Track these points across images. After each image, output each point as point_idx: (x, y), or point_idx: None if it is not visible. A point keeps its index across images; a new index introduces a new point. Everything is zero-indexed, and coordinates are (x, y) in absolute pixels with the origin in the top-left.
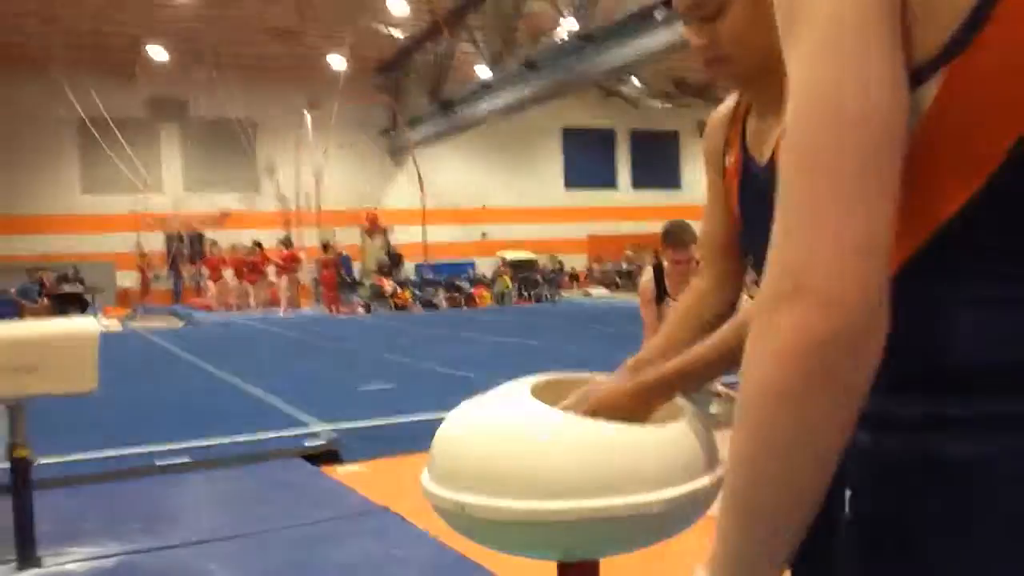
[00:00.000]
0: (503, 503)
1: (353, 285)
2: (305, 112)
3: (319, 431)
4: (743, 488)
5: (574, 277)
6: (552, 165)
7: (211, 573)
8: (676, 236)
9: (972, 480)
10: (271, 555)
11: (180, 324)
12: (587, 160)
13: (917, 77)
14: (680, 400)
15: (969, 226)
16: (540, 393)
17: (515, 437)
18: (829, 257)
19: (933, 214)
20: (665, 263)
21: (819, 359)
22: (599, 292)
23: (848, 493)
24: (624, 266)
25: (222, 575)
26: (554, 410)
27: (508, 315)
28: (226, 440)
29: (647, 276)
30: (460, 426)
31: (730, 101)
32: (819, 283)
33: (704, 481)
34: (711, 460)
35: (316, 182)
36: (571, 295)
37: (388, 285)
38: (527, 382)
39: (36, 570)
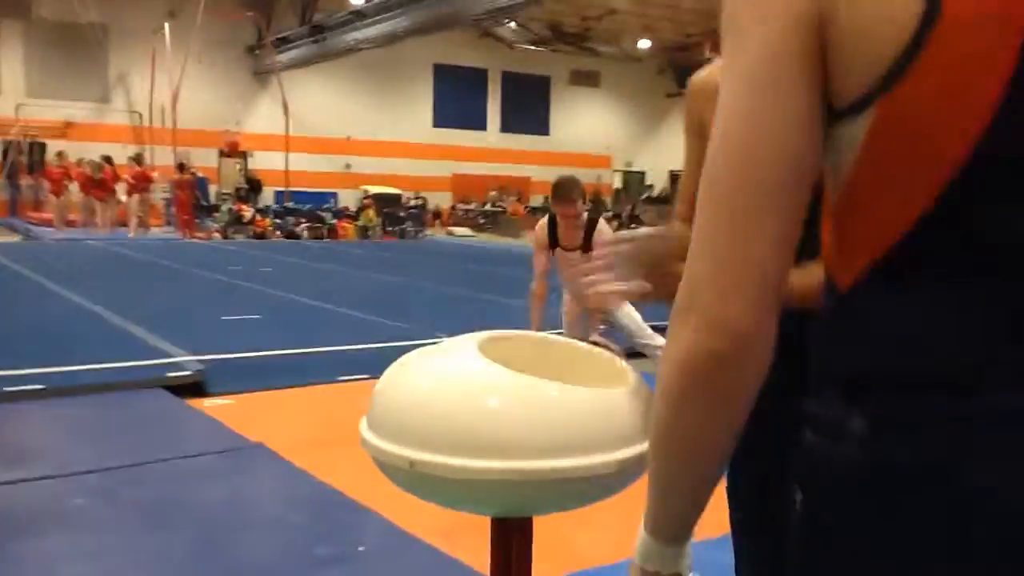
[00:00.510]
0: (455, 461)
1: (209, 209)
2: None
3: (182, 361)
4: (652, 458)
5: (437, 215)
6: (422, 102)
7: (80, 509)
8: (562, 192)
9: (907, 485)
10: (142, 490)
11: (17, 238)
12: (457, 99)
13: (854, 108)
14: (625, 364)
15: (917, 242)
16: (486, 349)
17: (468, 395)
18: (718, 283)
19: (882, 235)
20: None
21: (699, 372)
22: (462, 232)
23: (799, 495)
24: (488, 207)
25: (93, 512)
26: (505, 369)
27: (372, 250)
28: (83, 368)
29: (541, 224)
30: (409, 382)
31: (715, 67)
32: (707, 305)
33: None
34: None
35: (173, 98)
36: (434, 233)
37: (247, 211)
38: (473, 338)
39: None
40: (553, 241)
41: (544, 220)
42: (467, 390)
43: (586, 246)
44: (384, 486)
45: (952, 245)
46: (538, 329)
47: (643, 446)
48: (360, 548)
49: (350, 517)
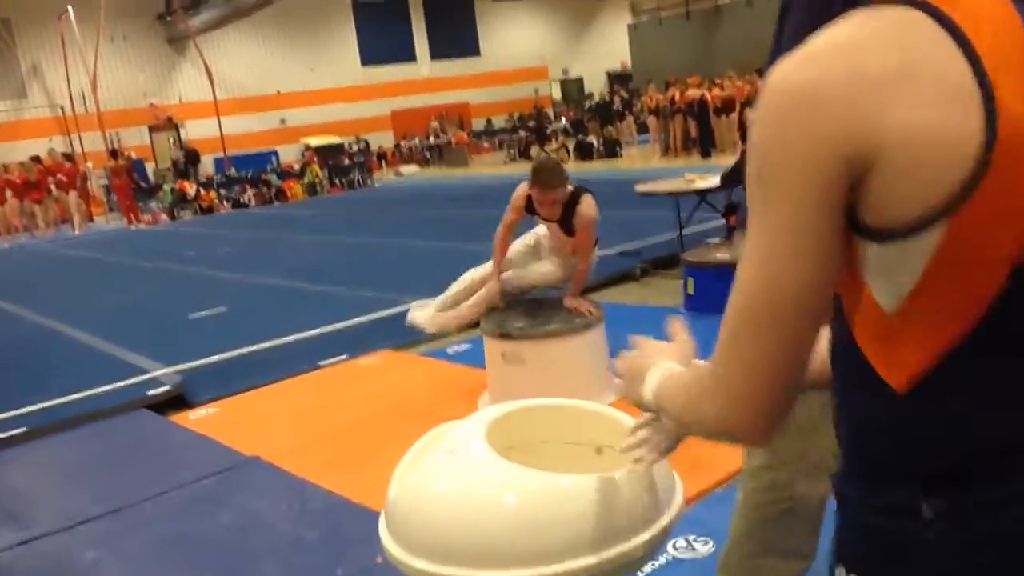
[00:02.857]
0: (487, 575)
1: (151, 191)
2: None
3: (159, 375)
4: (671, 413)
5: (382, 156)
6: (346, 42)
7: (93, 563)
8: (543, 180)
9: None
10: (150, 530)
11: None
12: (382, 34)
13: (914, 228)
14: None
15: (974, 344)
16: (494, 437)
17: (489, 506)
18: (740, 384)
19: (944, 337)
20: None
21: (718, 432)
22: (410, 169)
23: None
24: (432, 139)
25: (107, 564)
26: (520, 469)
27: (325, 207)
28: (60, 401)
29: (520, 194)
30: (427, 495)
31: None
32: (731, 397)
33: (672, 512)
34: (672, 490)
35: (91, 82)
36: (383, 176)
37: (190, 187)
38: (480, 426)
39: None
40: (531, 210)
41: (522, 190)
42: (486, 499)
43: (565, 222)
44: (387, 487)
45: (1006, 343)
46: (498, 272)
47: (666, 519)
48: (378, 560)
49: (362, 526)
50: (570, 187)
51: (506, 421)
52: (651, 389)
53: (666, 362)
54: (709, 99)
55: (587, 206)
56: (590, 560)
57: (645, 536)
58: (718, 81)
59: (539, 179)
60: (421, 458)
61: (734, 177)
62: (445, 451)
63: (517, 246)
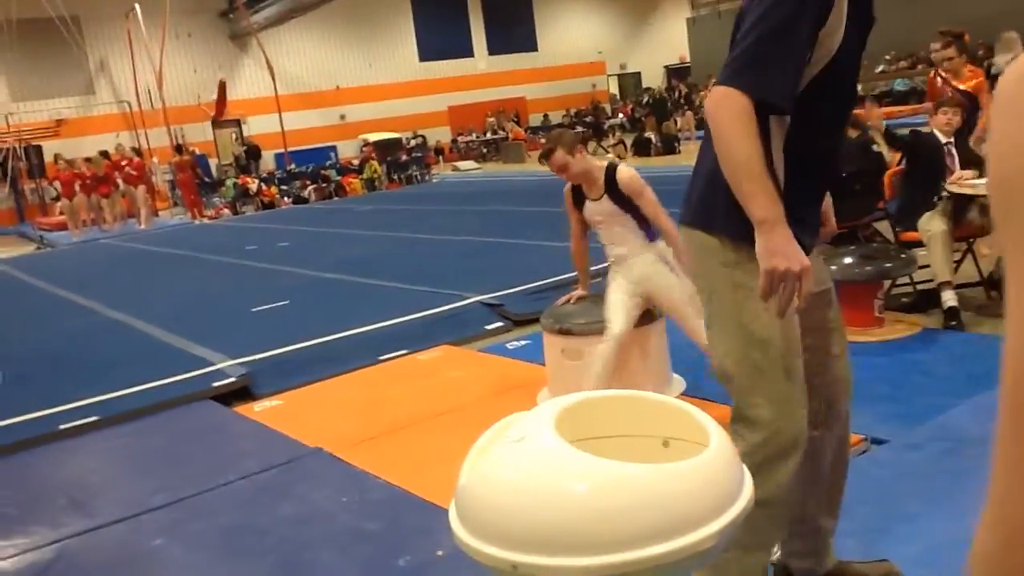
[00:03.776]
0: (557, 562)
1: (214, 185)
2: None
3: (224, 367)
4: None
5: (439, 151)
6: (404, 38)
7: (159, 550)
8: (542, 153)
9: None
10: (215, 519)
11: (32, 247)
12: (440, 29)
13: None
14: (703, 416)
15: None
16: (563, 426)
17: (559, 494)
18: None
19: None
20: None
21: None
22: (467, 165)
23: None
24: (488, 135)
25: (172, 551)
26: (590, 458)
27: (383, 203)
28: (127, 391)
29: (566, 190)
30: (498, 481)
31: None
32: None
33: (743, 502)
34: (741, 481)
35: (157, 78)
36: (440, 171)
37: (252, 183)
38: (549, 415)
39: None
40: (579, 199)
41: (567, 188)
42: (558, 488)
43: (615, 196)
44: (449, 481)
45: None
46: (586, 284)
47: (738, 509)
48: (439, 553)
49: (423, 519)
50: (602, 162)
51: (574, 412)
52: None
53: None
54: None
55: (626, 170)
56: (660, 549)
57: (715, 526)
58: None
59: (545, 149)
60: (491, 447)
61: None
62: (515, 440)
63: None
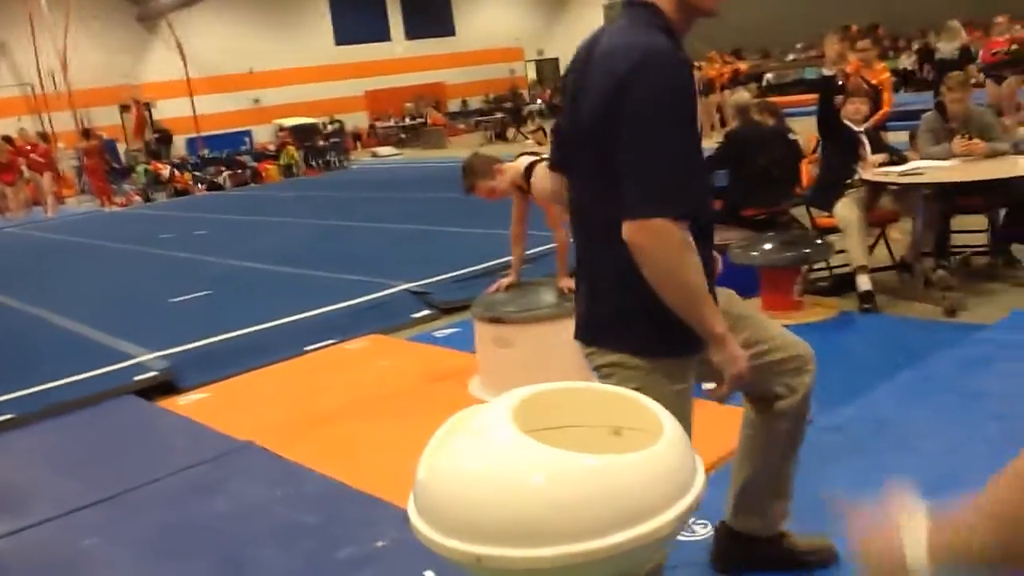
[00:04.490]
0: (521, 553)
1: (124, 172)
2: None
3: (145, 360)
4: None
5: (357, 137)
6: (320, 21)
7: (94, 549)
8: (465, 188)
9: None
10: (146, 518)
11: None
12: (357, 13)
13: None
14: (657, 408)
15: None
16: (521, 417)
17: (521, 485)
18: None
19: None
20: None
21: None
22: (386, 151)
23: None
24: (407, 120)
25: (105, 551)
26: (550, 450)
27: (302, 189)
28: (47, 387)
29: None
30: (457, 474)
31: None
32: None
33: (696, 490)
34: (695, 469)
35: (62, 61)
36: (358, 157)
37: (164, 169)
38: (507, 408)
39: None
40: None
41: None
42: (519, 480)
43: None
44: (384, 472)
45: None
46: (517, 270)
47: (691, 497)
48: (379, 543)
49: (361, 511)
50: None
51: (529, 403)
52: (919, 546)
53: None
54: None
55: (539, 171)
56: (618, 538)
57: (671, 514)
58: (698, 63)
59: (464, 181)
60: (448, 440)
61: (720, 161)
62: (473, 433)
63: None
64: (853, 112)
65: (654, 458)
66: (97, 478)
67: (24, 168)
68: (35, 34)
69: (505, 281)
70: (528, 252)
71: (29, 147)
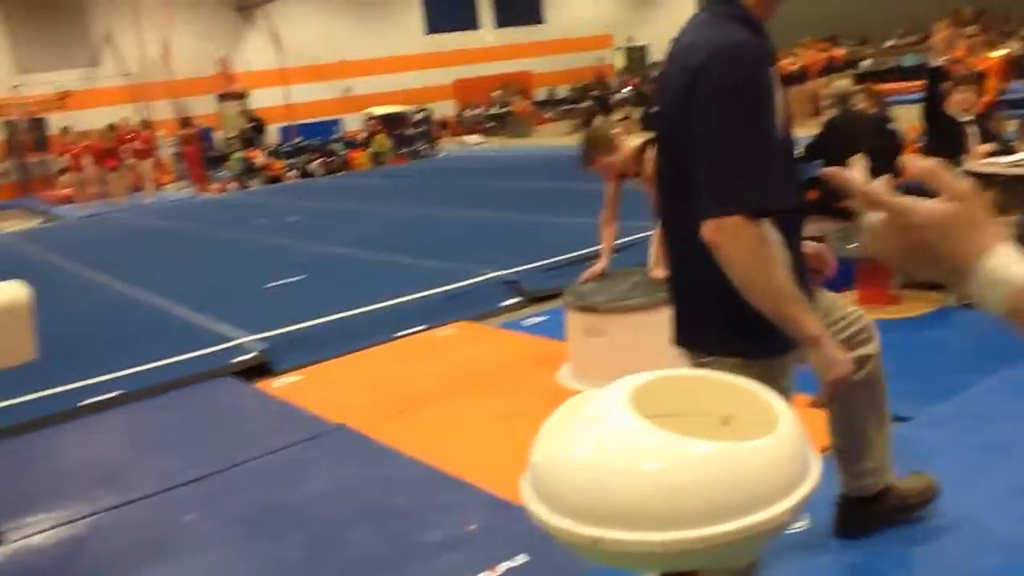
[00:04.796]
0: (636, 536)
1: (219, 160)
2: None
3: (243, 343)
4: None
5: (444, 125)
6: (411, 10)
7: (194, 525)
8: (582, 159)
9: None
10: (242, 496)
11: (38, 221)
12: (447, 2)
13: None
14: (772, 398)
15: None
16: (639, 402)
17: (639, 471)
18: None
19: None
20: None
21: None
22: (473, 139)
23: None
24: (494, 109)
25: (204, 527)
26: (669, 435)
27: (389, 177)
28: (147, 366)
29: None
30: (576, 458)
31: None
32: None
33: (811, 481)
34: (809, 459)
35: (164, 50)
36: (445, 145)
37: (259, 157)
38: (624, 393)
39: (1, 548)
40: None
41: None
42: (637, 465)
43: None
44: (475, 457)
45: None
46: (609, 256)
47: (807, 487)
48: (471, 527)
49: (451, 495)
50: (640, 140)
51: (641, 391)
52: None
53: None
54: (782, 68)
55: (651, 155)
56: (728, 526)
57: (788, 503)
58: (791, 50)
59: (584, 155)
60: (565, 425)
61: (816, 151)
62: (590, 418)
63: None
64: (960, 102)
65: (772, 446)
66: (196, 456)
67: (127, 155)
68: (137, 25)
69: (597, 267)
70: (621, 241)
71: (131, 135)
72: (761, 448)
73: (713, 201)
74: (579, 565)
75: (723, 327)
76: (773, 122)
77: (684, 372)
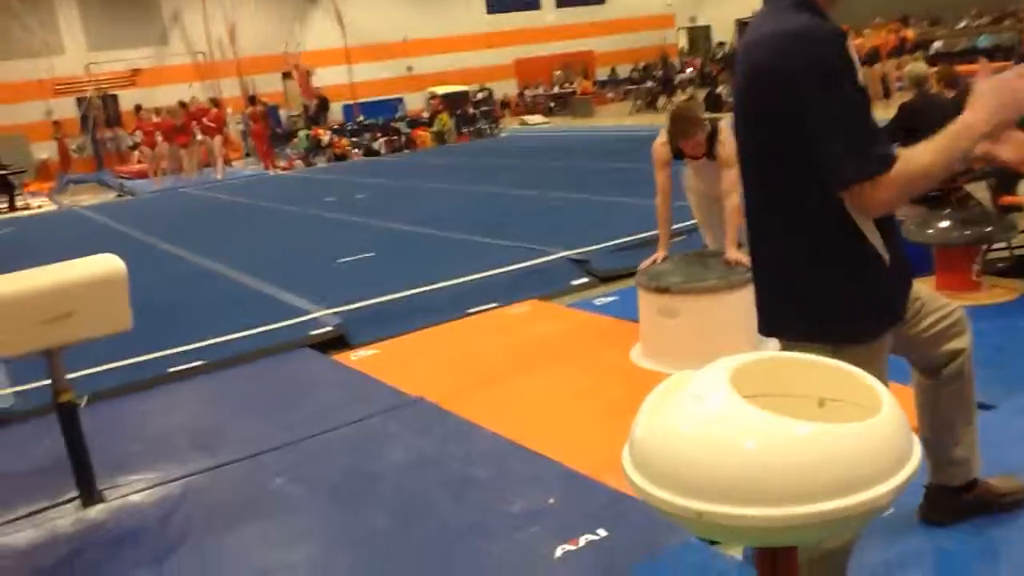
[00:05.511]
0: (741, 511)
1: (286, 137)
2: None
3: (318, 315)
4: None
5: (505, 105)
6: None
7: (282, 489)
8: (682, 129)
9: None
10: (327, 463)
11: (113, 195)
12: None
13: None
14: (873, 381)
15: None
16: (738, 382)
17: (743, 448)
18: None
19: None
20: None
21: None
22: (535, 119)
23: None
24: (556, 89)
25: (294, 490)
26: (773, 417)
27: (454, 156)
28: (229, 337)
29: (661, 140)
30: (680, 435)
31: None
32: None
33: (912, 466)
34: (911, 443)
35: (230, 29)
36: (507, 124)
37: (324, 135)
38: (724, 372)
39: (102, 505)
40: (678, 155)
41: (663, 134)
42: (742, 442)
43: (711, 154)
44: (551, 432)
45: None
46: (666, 244)
47: (904, 474)
48: (550, 500)
49: (531, 468)
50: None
51: (739, 372)
52: None
53: None
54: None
55: (726, 133)
56: (829, 505)
57: (889, 485)
58: (861, 31)
59: (681, 130)
60: (665, 403)
61: (893, 135)
62: (692, 396)
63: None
64: None
65: (877, 428)
66: (282, 423)
67: (197, 132)
68: (205, 4)
69: (657, 255)
70: (678, 226)
71: (203, 112)
72: (866, 429)
73: (841, 172)
74: (656, 539)
75: (815, 313)
76: (862, 93)
77: (781, 355)
